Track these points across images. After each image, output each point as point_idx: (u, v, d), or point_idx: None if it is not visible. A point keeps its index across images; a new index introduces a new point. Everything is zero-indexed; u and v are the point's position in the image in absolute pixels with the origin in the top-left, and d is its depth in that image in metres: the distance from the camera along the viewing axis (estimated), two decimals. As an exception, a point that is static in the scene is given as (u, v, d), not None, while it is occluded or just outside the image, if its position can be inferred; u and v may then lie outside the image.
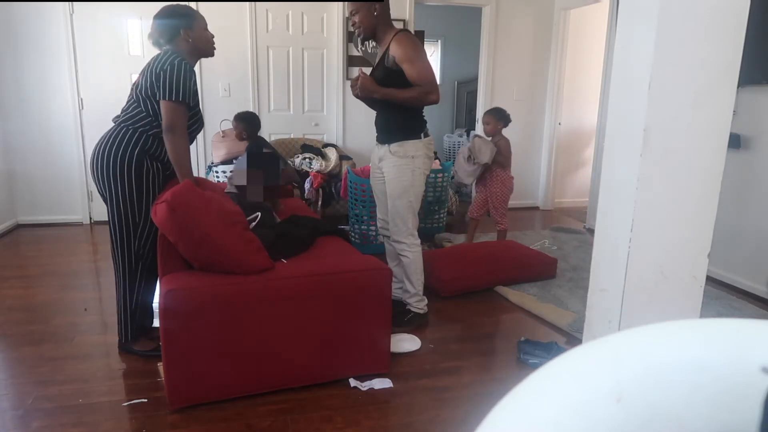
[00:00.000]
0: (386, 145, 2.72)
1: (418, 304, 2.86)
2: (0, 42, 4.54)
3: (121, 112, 2.39)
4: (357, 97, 2.69)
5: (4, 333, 2.74)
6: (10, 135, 4.69)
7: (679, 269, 1.47)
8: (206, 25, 2.48)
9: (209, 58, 2.59)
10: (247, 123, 3.59)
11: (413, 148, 2.67)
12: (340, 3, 5.09)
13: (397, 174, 2.69)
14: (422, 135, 2.71)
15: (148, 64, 2.33)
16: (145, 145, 2.31)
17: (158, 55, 2.34)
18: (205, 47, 2.47)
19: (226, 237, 2.07)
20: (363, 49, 5.26)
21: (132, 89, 2.38)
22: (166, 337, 1.98)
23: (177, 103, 2.25)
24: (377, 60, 2.73)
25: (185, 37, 2.38)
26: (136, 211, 2.34)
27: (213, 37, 2.50)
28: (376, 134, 2.83)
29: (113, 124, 2.38)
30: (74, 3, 4.58)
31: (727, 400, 0.42)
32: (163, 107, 2.26)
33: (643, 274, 1.45)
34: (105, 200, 2.38)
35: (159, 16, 2.38)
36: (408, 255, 2.78)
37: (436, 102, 2.61)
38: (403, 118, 2.68)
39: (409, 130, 2.69)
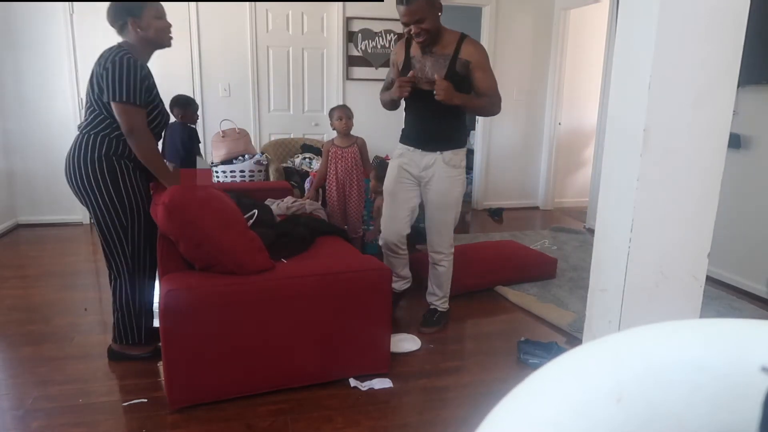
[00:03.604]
0: (437, 153, 2.57)
1: (445, 303, 2.88)
2: (0, 42, 4.54)
3: (83, 119, 2.30)
4: (438, 98, 2.39)
5: (4, 333, 2.74)
6: (10, 135, 4.69)
7: (679, 269, 1.47)
8: (161, 14, 2.28)
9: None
10: (189, 106, 3.88)
11: (462, 156, 2.62)
12: (340, 3, 5.09)
13: (450, 186, 2.59)
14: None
15: (96, 63, 2.21)
16: (110, 149, 2.21)
17: (104, 52, 2.21)
18: (157, 37, 2.27)
19: (226, 237, 2.07)
20: (363, 48, 5.27)
21: (86, 94, 2.26)
22: (166, 337, 1.98)
23: (127, 104, 2.13)
24: (436, 64, 2.49)
25: (134, 28, 2.22)
26: (121, 214, 2.26)
27: (170, 26, 2.32)
28: (414, 140, 2.63)
29: (78, 132, 2.29)
30: (74, 3, 4.58)
31: (727, 400, 0.42)
32: (115, 110, 2.15)
33: (643, 274, 1.45)
34: (89, 209, 2.30)
35: (111, 3, 2.24)
36: (445, 264, 2.76)
37: (497, 113, 2.59)
38: (457, 126, 2.63)
39: (461, 138, 2.65)
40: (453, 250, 2.78)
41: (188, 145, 3.77)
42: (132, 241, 2.32)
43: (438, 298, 2.85)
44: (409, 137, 2.66)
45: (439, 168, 2.57)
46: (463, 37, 2.49)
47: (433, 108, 2.47)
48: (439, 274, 2.79)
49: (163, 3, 2.36)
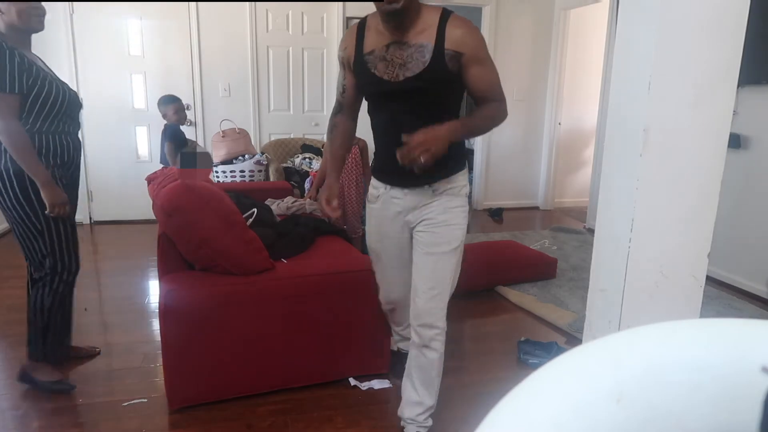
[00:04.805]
0: (424, 187, 1.78)
1: (430, 414, 1.96)
2: (0, 42, 4.54)
3: None
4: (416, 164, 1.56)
5: (4, 333, 2.74)
6: (10, 135, 4.69)
7: (679, 269, 1.47)
8: None
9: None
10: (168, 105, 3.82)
11: (463, 179, 1.82)
12: (340, 3, 5.09)
13: (449, 221, 1.79)
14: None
15: None
16: None
17: None
18: (21, 21, 2.04)
19: (226, 239, 2.07)
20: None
21: None
22: (166, 337, 1.98)
23: None
24: (409, 61, 1.65)
25: None
26: (33, 218, 2.12)
27: (37, 8, 2.09)
28: (389, 174, 1.84)
29: None
30: (74, 3, 4.58)
31: (727, 400, 0.42)
32: None
33: (643, 274, 1.45)
34: (5, 217, 2.17)
35: None
36: (437, 347, 1.83)
37: (504, 119, 1.76)
38: (451, 145, 1.65)
39: (459, 158, 1.82)
40: (445, 324, 1.84)
41: (162, 143, 3.77)
42: (51, 246, 2.20)
43: (424, 409, 1.89)
44: (384, 169, 1.86)
45: (432, 204, 1.80)
46: (445, 14, 1.65)
47: (411, 119, 1.66)
48: (428, 363, 1.84)
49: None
